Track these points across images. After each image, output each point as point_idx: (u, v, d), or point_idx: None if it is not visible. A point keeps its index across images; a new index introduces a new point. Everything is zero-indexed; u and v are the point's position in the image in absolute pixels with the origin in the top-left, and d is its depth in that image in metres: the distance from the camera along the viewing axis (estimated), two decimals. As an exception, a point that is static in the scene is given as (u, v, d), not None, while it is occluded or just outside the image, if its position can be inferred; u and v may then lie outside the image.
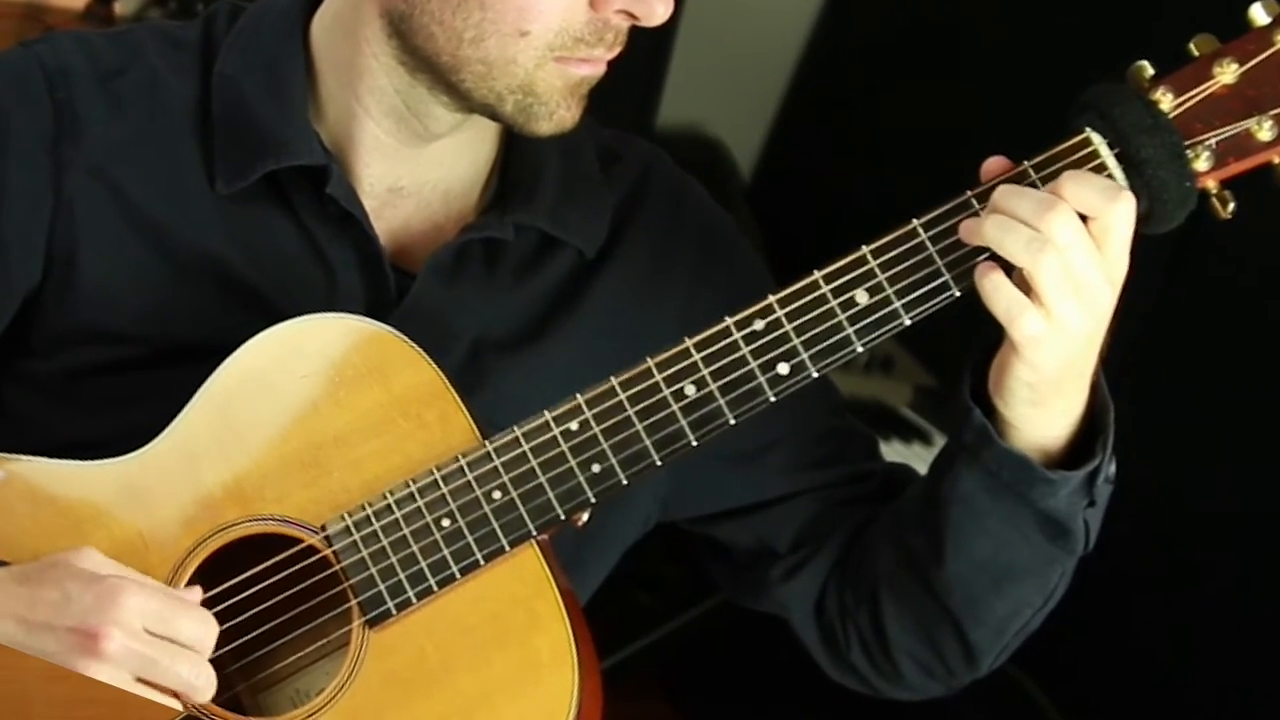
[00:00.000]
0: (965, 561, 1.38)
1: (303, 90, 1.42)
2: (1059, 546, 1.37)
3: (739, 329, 1.30)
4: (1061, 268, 1.24)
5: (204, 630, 1.22)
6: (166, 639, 1.21)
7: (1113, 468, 1.36)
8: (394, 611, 1.28)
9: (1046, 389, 1.29)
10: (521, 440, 1.29)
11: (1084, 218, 1.25)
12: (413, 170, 1.45)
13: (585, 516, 1.33)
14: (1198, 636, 2.07)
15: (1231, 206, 1.29)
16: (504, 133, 1.48)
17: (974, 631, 1.41)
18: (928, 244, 1.28)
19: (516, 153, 1.48)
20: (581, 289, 1.47)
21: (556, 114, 1.35)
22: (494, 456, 1.29)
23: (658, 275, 1.49)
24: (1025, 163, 1.28)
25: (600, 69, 1.36)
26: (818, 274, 1.29)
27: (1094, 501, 1.36)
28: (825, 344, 1.29)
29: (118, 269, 1.40)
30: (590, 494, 1.30)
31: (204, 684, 1.22)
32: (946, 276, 1.28)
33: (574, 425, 1.29)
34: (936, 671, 1.46)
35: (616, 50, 1.35)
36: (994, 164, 1.29)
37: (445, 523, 1.29)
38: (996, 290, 1.26)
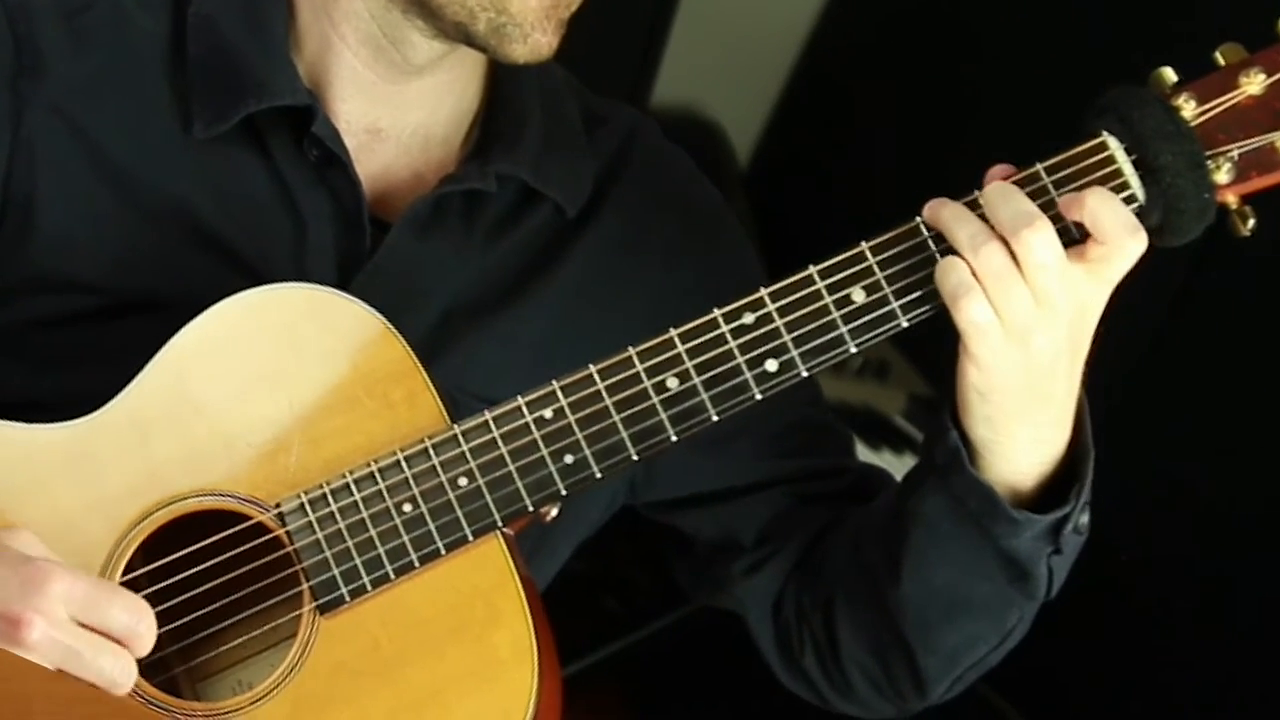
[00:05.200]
0: (920, 585, 1.39)
1: (283, 24, 1.43)
2: (1018, 589, 1.37)
3: (727, 321, 1.30)
4: (1006, 265, 1.24)
5: (135, 618, 1.20)
6: (96, 628, 1.20)
7: (1085, 518, 1.36)
8: (347, 598, 1.28)
9: (1001, 405, 1.29)
10: (492, 425, 1.29)
11: (1086, 233, 1.26)
12: (392, 111, 1.46)
13: (555, 511, 1.34)
14: (1178, 653, 2.09)
15: (1251, 223, 1.29)
16: (486, 81, 1.49)
17: (924, 658, 1.42)
18: (930, 244, 1.29)
19: (499, 103, 1.49)
20: (557, 253, 1.48)
21: (531, 37, 1.36)
22: (461, 441, 1.29)
23: (637, 244, 1.50)
24: (1038, 164, 1.29)
25: None
26: (813, 269, 1.30)
27: (1060, 550, 1.36)
28: (817, 342, 1.30)
29: (78, 213, 1.40)
30: (561, 486, 1.30)
31: (125, 680, 1.20)
32: (948, 279, 1.29)
33: (548, 413, 1.30)
34: (885, 690, 1.48)
35: None
36: (998, 172, 1.30)
37: (406, 508, 1.29)
38: (949, 270, 1.26)
